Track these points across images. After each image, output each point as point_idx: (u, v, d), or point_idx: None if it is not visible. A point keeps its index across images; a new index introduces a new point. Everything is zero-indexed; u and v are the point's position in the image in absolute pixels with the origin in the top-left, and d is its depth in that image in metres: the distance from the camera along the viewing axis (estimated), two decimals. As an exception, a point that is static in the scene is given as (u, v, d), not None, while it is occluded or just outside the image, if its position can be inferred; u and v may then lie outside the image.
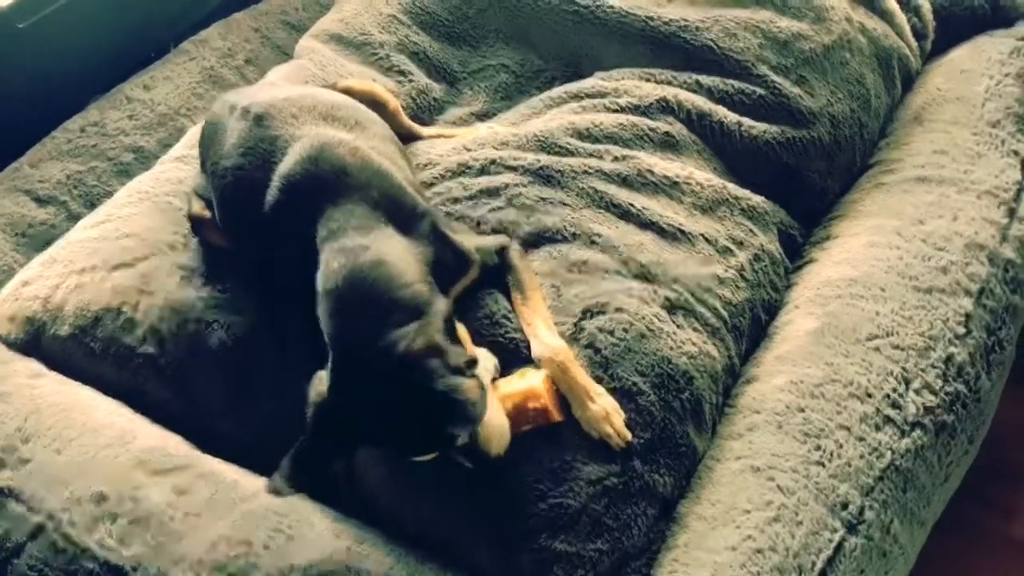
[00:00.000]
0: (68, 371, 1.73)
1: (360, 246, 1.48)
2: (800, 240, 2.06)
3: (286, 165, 1.61)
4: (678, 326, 1.67)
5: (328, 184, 1.57)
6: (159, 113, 2.29)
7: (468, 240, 1.65)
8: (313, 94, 1.80)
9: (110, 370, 1.72)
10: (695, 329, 1.69)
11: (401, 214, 1.57)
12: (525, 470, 1.50)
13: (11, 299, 1.81)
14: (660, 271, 1.73)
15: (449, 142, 2.00)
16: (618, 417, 1.53)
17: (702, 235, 1.83)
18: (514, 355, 1.58)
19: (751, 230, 1.91)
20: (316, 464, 1.43)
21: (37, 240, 2.06)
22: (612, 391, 1.56)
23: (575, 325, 1.62)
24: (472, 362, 1.38)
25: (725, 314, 1.76)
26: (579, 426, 1.53)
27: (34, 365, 1.73)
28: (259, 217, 1.62)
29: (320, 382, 1.43)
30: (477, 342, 1.55)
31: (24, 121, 2.23)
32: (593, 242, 1.75)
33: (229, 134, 1.73)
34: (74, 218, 2.08)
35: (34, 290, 1.80)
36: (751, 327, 1.83)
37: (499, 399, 1.48)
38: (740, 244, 1.87)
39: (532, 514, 1.48)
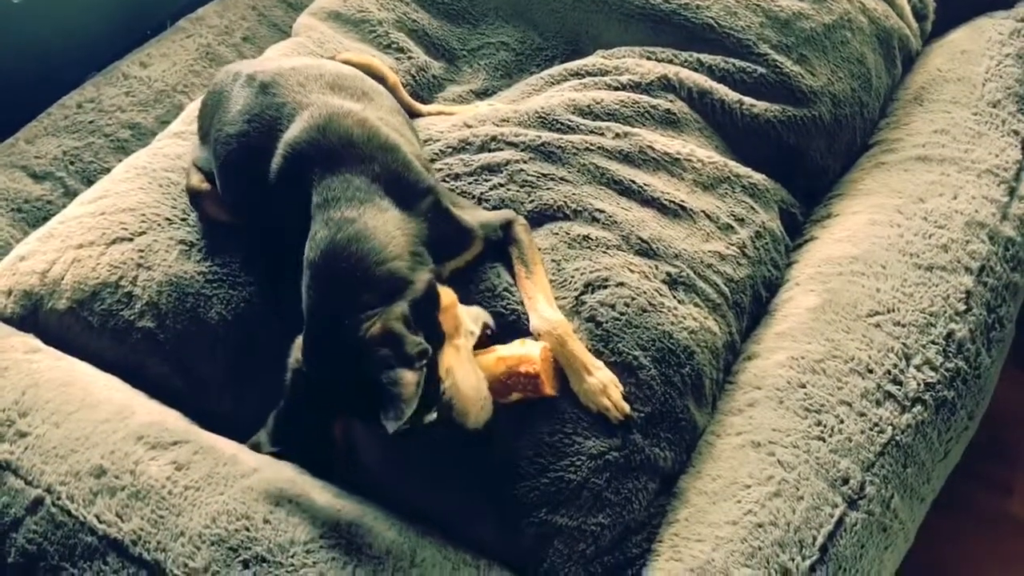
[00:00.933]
0: (65, 346, 1.72)
1: (346, 219, 1.47)
2: (800, 218, 2.06)
3: (292, 132, 1.60)
4: (679, 301, 1.67)
5: (333, 153, 1.56)
6: (156, 90, 2.27)
7: (472, 215, 1.65)
8: (319, 64, 1.79)
9: (108, 345, 1.71)
10: (696, 304, 1.69)
11: (402, 188, 1.55)
12: (525, 444, 1.50)
13: (8, 273, 1.80)
14: (661, 247, 1.72)
15: (450, 119, 1.99)
16: (616, 390, 1.53)
17: (703, 212, 1.83)
18: (513, 327, 1.58)
19: (752, 207, 1.90)
20: (295, 426, 1.45)
21: (33, 216, 2.05)
22: (613, 365, 1.56)
23: (576, 299, 1.62)
24: (423, 352, 1.35)
25: (726, 290, 1.75)
26: (579, 400, 1.53)
27: (31, 340, 1.71)
28: (262, 185, 1.61)
29: (297, 348, 1.45)
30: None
31: (20, 97, 2.22)
32: (595, 218, 1.74)
33: (234, 101, 1.72)
34: (71, 194, 2.07)
35: (31, 264, 1.78)
36: (752, 304, 1.82)
37: (494, 361, 1.48)
38: (741, 221, 1.86)
39: (533, 488, 1.48)
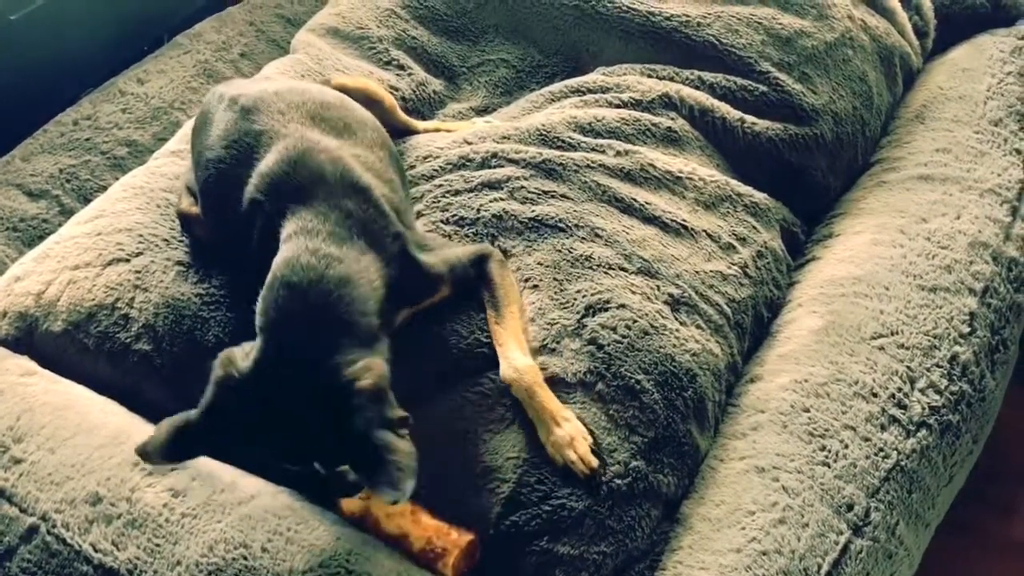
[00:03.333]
0: (61, 368, 1.70)
1: (333, 256, 1.42)
2: (802, 237, 2.05)
3: (266, 164, 1.57)
4: (681, 323, 1.65)
5: (304, 189, 1.52)
6: (153, 107, 2.26)
7: (442, 256, 1.59)
8: (304, 90, 1.75)
9: (104, 367, 1.69)
10: (698, 326, 1.67)
11: (373, 231, 1.51)
12: (527, 472, 1.48)
13: (3, 294, 1.78)
14: (663, 267, 1.71)
15: (450, 135, 1.98)
16: (583, 443, 1.48)
17: (705, 231, 1.81)
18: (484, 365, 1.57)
19: (754, 227, 1.89)
20: (197, 445, 1.34)
21: (29, 235, 2.03)
22: (615, 389, 1.54)
23: (578, 322, 1.60)
24: (404, 421, 1.30)
25: (728, 311, 1.74)
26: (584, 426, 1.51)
27: (26, 363, 1.69)
28: (236, 212, 1.58)
29: (230, 362, 1.34)
30: (442, 354, 1.57)
31: (16, 114, 2.20)
32: (597, 236, 1.72)
33: (216, 124, 1.69)
34: (67, 212, 2.05)
35: (26, 285, 1.76)
36: (754, 325, 1.81)
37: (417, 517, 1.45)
38: (743, 241, 1.85)
39: (534, 516, 1.46)
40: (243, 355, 1.35)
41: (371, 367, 1.32)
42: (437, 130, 2.06)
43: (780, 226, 1.97)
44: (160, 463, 1.38)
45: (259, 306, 1.40)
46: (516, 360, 1.52)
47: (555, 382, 1.54)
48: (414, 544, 1.44)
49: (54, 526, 1.45)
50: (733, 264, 1.80)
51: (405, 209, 1.68)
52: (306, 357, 1.33)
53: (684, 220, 1.81)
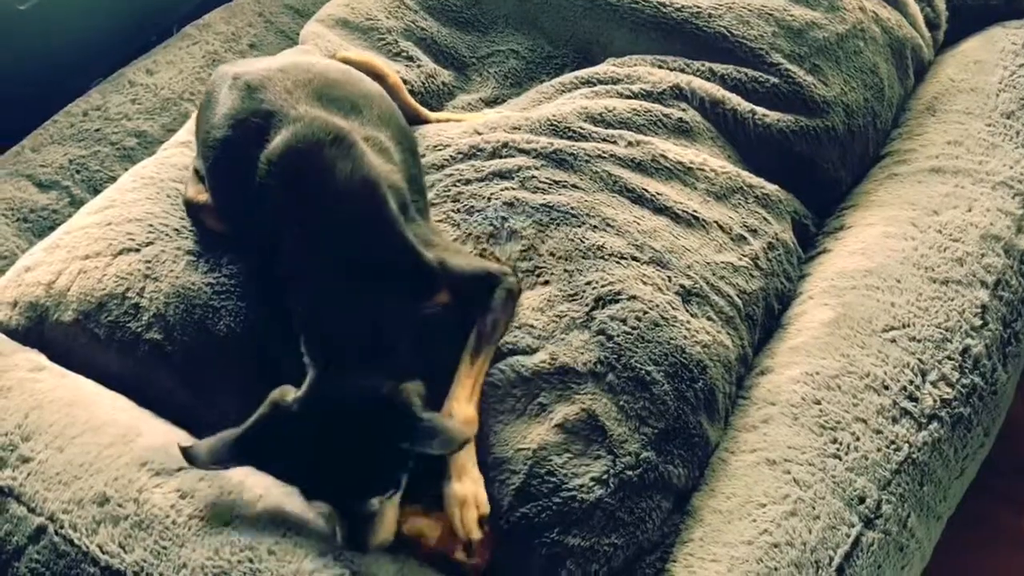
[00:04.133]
0: (71, 359, 1.69)
1: (352, 289, 1.47)
2: (813, 230, 2.04)
3: (273, 149, 1.55)
4: (692, 314, 1.65)
5: (314, 180, 1.53)
6: (162, 97, 2.25)
7: (446, 257, 1.57)
8: (309, 67, 1.73)
9: (115, 357, 1.69)
10: (709, 318, 1.67)
11: (380, 236, 1.53)
12: (537, 463, 1.48)
13: (13, 284, 1.77)
14: (674, 257, 1.70)
15: (460, 125, 1.97)
16: (472, 511, 1.42)
17: (716, 222, 1.81)
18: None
19: (765, 218, 1.88)
20: (243, 456, 1.40)
21: (39, 225, 2.02)
22: (625, 380, 1.54)
23: (587, 314, 1.60)
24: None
25: (739, 302, 1.73)
26: (593, 418, 1.50)
27: (36, 357, 1.69)
28: (247, 194, 1.57)
29: (282, 394, 1.40)
30: (453, 346, 1.56)
31: (25, 104, 2.20)
32: (608, 225, 1.71)
33: (221, 104, 1.68)
34: (77, 203, 2.05)
35: (37, 276, 1.76)
36: (765, 317, 1.80)
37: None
38: (754, 232, 1.84)
39: (544, 509, 1.45)
40: (295, 391, 1.41)
41: (413, 388, 1.39)
42: (448, 120, 2.05)
43: (791, 218, 1.96)
44: (205, 465, 1.41)
45: (303, 343, 1.45)
46: (458, 406, 1.49)
47: (566, 371, 1.54)
48: (430, 541, 1.44)
49: (62, 526, 1.44)
50: (744, 255, 1.79)
51: (416, 191, 1.67)
52: (356, 389, 1.38)
53: (695, 211, 1.80)
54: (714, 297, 1.70)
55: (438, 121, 2.04)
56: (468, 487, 1.44)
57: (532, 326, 1.59)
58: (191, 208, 1.78)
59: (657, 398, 1.54)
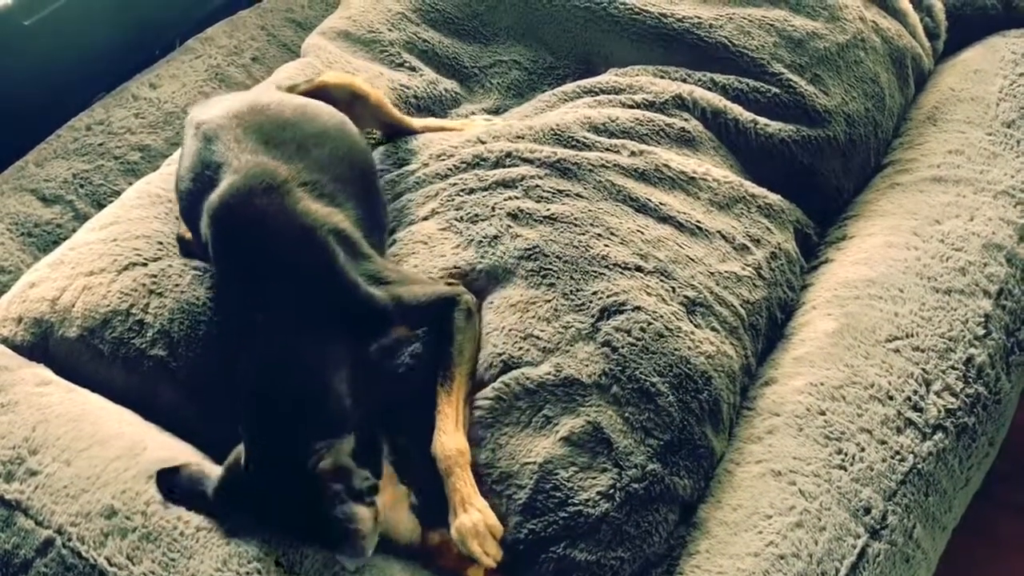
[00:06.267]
0: (76, 375, 1.70)
1: (283, 346, 1.46)
2: (815, 240, 2.04)
3: (210, 203, 1.58)
4: (696, 325, 1.65)
5: (248, 232, 1.55)
6: (166, 111, 2.26)
7: (397, 291, 1.55)
8: (263, 109, 1.73)
9: (119, 374, 1.69)
10: (712, 328, 1.67)
11: (323, 281, 1.52)
12: (543, 478, 1.48)
13: (18, 300, 1.78)
14: (679, 268, 1.71)
15: (463, 134, 1.98)
16: (488, 540, 1.42)
17: (719, 232, 1.81)
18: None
19: (768, 228, 1.89)
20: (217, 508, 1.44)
21: (43, 240, 2.03)
22: (630, 392, 1.54)
23: (592, 325, 1.60)
24: (373, 488, 1.35)
25: (743, 312, 1.74)
26: (598, 430, 1.50)
27: (42, 371, 1.69)
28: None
29: (237, 458, 1.43)
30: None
31: (29, 119, 2.20)
32: (612, 235, 1.72)
33: (186, 154, 1.72)
34: (81, 218, 2.05)
35: (41, 292, 1.76)
36: (768, 327, 1.80)
37: None
38: (757, 242, 1.85)
39: (551, 523, 1.46)
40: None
41: (333, 450, 1.37)
42: (441, 128, 2.05)
43: (793, 228, 1.97)
44: (172, 504, 1.45)
45: (238, 406, 1.46)
46: (447, 438, 1.48)
47: (571, 383, 1.54)
48: (449, 560, 1.46)
49: (69, 539, 1.43)
50: (747, 265, 1.80)
51: (371, 228, 1.67)
52: (279, 455, 1.39)
53: (699, 221, 1.81)
54: (718, 307, 1.70)
55: (425, 129, 2.03)
56: (475, 517, 1.44)
57: (538, 337, 1.60)
58: (182, 244, 1.79)
59: (662, 409, 1.54)
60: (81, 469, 1.49)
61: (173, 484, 1.44)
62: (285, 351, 1.46)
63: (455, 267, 1.70)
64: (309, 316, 1.49)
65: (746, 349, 1.73)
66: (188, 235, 1.77)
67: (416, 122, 2.05)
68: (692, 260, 1.74)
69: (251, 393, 1.45)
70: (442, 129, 2.05)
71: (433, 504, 1.48)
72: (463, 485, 1.46)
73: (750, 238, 1.85)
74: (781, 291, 1.85)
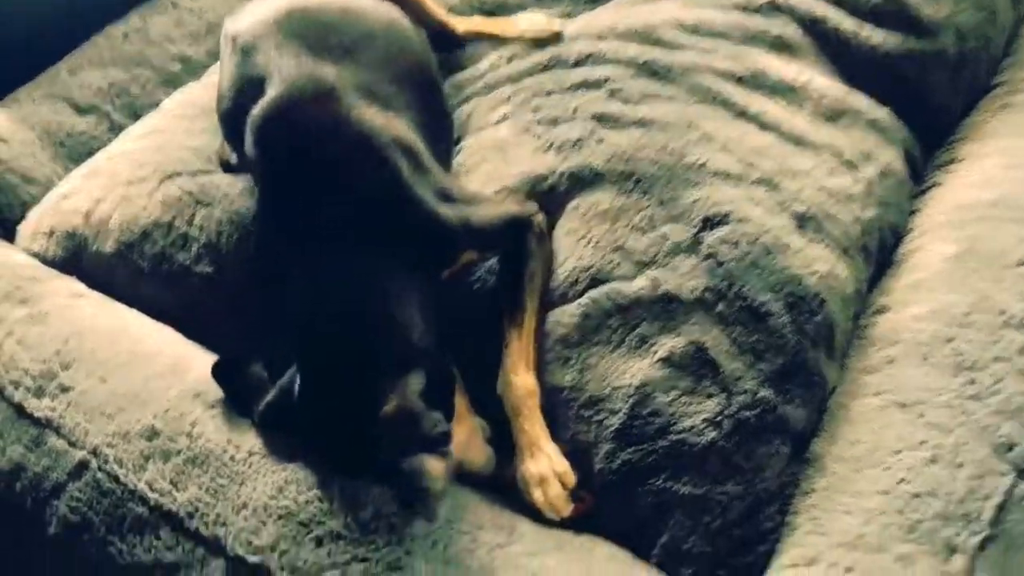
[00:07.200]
0: (112, 293, 1.55)
1: (344, 274, 1.29)
2: (921, 163, 1.85)
3: (253, 119, 1.41)
4: (808, 241, 1.47)
5: (295, 149, 1.38)
6: (207, 21, 2.09)
7: (465, 211, 1.40)
8: (303, 11, 1.56)
9: (160, 291, 1.54)
10: (825, 246, 1.49)
11: (384, 196, 1.35)
12: (640, 401, 1.31)
13: (49, 213, 1.64)
14: (785, 179, 1.52)
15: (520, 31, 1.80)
16: (555, 487, 1.29)
17: (826, 145, 1.62)
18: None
19: (877, 144, 1.70)
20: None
21: (75, 151, 1.86)
22: (738, 311, 1.36)
23: (694, 236, 1.42)
24: (445, 435, 1.17)
25: (854, 232, 1.55)
26: (702, 351, 1.33)
27: (75, 284, 1.55)
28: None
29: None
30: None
31: (62, 25, 2.04)
32: (710, 141, 1.53)
33: (224, 71, 1.57)
34: (116, 129, 1.89)
35: (75, 203, 1.62)
36: (878, 250, 1.62)
37: None
38: (867, 158, 1.66)
39: (650, 452, 1.29)
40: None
41: (399, 391, 1.19)
42: (478, 32, 1.85)
43: (902, 147, 1.77)
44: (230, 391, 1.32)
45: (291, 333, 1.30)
46: (516, 376, 1.34)
47: (670, 300, 1.37)
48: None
49: (106, 461, 1.29)
50: (858, 182, 1.61)
51: (435, 133, 1.52)
52: (340, 396, 1.22)
53: (803, 132, 1.62)
54: (828, 225, 1.52)
55: (467, 32, 1.85)
56: (543, 463, 1.30)
57: (631, 249, 1.42)
58: (225, 167, 1.64)
59: (774, 331, 1.36)
60: (118, 386, 1.34)
61: (231, 380, 1.31)
62: (342, 278, 1.29)
63: (534, 172, 1.52)
64: (369, 239, 1.32)
65: (859, 271, 1.54)
66: (232, 159, 1.62)
67: (460, 24, 1.86)
68: (799, 172, 1.56)
69: (305, 324, 1.29)
70: (489, 35, 1.85)
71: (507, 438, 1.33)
72: (531, 427, 1.32)
73: (860, 154, 1.66)
74: (892, 213, 1.67)
